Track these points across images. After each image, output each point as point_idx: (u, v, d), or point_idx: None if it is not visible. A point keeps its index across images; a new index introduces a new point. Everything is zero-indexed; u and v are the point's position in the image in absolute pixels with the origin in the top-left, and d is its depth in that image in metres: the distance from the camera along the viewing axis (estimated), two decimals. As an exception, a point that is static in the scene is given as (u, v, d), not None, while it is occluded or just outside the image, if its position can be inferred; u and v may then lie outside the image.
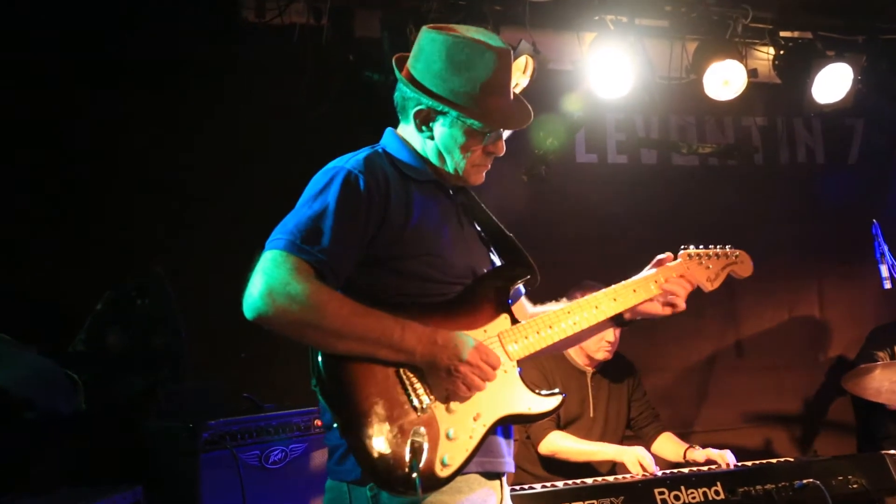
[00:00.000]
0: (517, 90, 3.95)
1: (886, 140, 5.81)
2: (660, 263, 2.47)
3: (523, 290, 2.41)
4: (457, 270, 2.14)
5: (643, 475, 3.52)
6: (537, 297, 2.45)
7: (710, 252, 2.56)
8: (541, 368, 3.95)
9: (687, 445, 3.92)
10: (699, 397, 5.30)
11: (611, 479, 3.48)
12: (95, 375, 3.44)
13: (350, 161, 2.10)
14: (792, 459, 3.78)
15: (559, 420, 3.96)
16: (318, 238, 1.95)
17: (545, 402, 2.16)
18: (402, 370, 1.99)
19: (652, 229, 4.98)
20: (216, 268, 3.88)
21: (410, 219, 2.08)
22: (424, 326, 2.00)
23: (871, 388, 3.89)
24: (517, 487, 3.32)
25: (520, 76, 4.05)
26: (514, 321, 2.19)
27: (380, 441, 1.90)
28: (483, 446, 2.04)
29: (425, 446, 1.89)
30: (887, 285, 3.83)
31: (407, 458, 1.87)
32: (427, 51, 2.15)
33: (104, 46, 3.94)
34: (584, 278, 3.87)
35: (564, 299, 2.44)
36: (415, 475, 1.84)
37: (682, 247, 2.54)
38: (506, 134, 2.21)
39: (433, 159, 2.21)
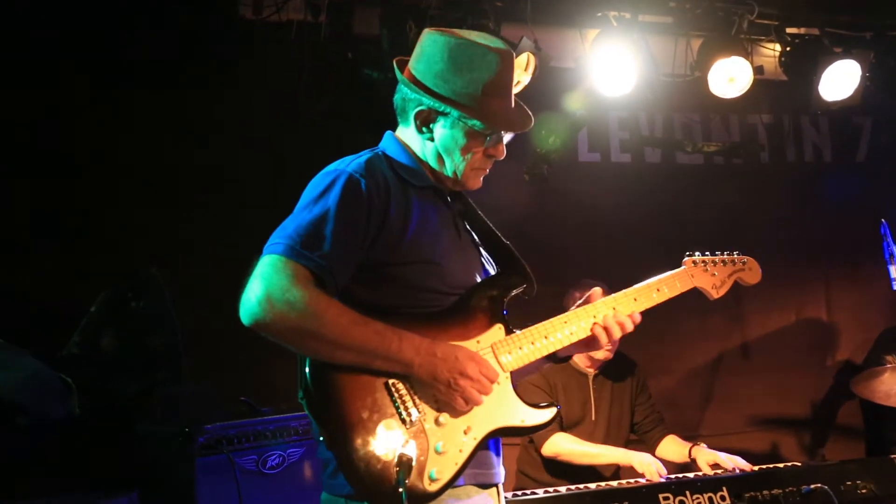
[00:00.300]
0: (519, 87, 3.91)
1: (895, 138, 5.74)
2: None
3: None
4: (453, 279, 2.11)
5: (648, 480, 3.46)
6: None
7: (717, 259, 2.51)
8: (542, 371, 3.89)
9: (691, 444, 3.87)
10: (705, 400, 5.26)
11: (614, 483, 3.43)
12: (90, 378, 3.40)
13: (351, 164, 2.06)
14: (799, 464, 3.74)
15: (561, 423, 3.90)
16: (318, 243, 1.91)
17: (539, 415, 2.12)
18: (391, 382, 1.96)
19: (656, 229, 4.95)
20: (215, 268, 3.84)
21: (409, 225, 2.04)
22: (422, 338, 1.96)
23: (881, 391, 3.88)
24: (520, 493, 3.27)
25: (521, 73, 4.01)
26: (509, 331, 2.16)
27: (366, 454, 1.86)
28: (474, 459, 2.01)
29: (413, 460, 1.85)
30: (897, 286, 3.78)
31: (394, 472, 1.83)
32: (429, 52, 2.12)
33: (104, 46, 3.94)
34: (587, 279, 3.81)
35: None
36: (401, 490, 1.79)
37: (688, 253, 2.49)
38: (506, 138, 2.18)
39: (432, 162, 2.17)
